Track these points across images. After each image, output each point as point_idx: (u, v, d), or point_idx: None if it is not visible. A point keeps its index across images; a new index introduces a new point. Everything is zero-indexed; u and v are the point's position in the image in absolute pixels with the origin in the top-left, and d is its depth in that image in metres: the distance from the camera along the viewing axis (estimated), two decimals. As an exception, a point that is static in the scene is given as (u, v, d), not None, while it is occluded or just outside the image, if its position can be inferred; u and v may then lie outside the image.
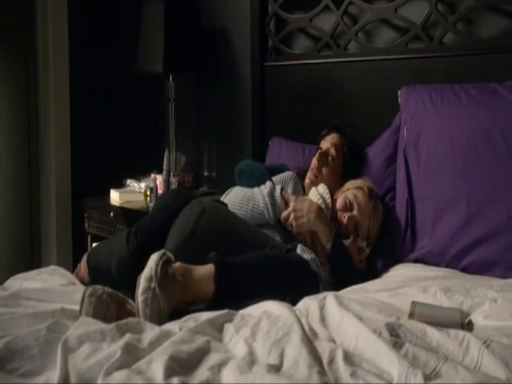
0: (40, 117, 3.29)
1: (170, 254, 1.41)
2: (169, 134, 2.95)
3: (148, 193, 2.79)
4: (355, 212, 1.90)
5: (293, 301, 1.38)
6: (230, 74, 2.87)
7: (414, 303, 1.41)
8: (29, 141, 3.33)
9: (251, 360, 1.08)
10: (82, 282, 1.80)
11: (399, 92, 2.04)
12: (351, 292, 1.61)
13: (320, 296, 1.35)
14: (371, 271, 1.87)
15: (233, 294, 1.40)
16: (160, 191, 2.82)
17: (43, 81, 3.23)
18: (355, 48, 2.34)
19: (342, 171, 2.08)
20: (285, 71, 2.54)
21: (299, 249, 1.79)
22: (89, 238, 2.97)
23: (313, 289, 1.46)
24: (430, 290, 1.52)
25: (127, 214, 2.67)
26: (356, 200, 1.91)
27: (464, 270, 1.76)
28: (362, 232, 1.90)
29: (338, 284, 1.77)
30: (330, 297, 1.33)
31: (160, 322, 1.29)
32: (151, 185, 2.81)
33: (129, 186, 3.05)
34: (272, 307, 1.27)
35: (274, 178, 1.99)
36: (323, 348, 1.12)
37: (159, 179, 2.86)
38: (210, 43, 2.90)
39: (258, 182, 1.92)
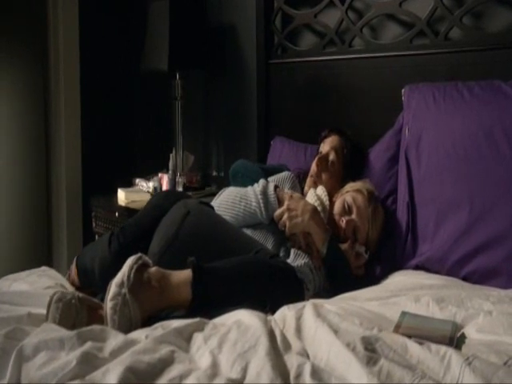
0: (51, 118, 3.29)
1: (146, 258, 1.36)
2: (175, 133, 2.91)
3: (154, 193, 2.77)
4: (354, 216, 1.82)
5: (273, 309, 1.32)
6: (237, 72, 2.81)
7: (403, 314, 1.34)
8: (46, 141, 3.35)
9: (213, 373, 1.03)
10: (73, 284, 1.78)
11: (403, 90, 1.95)
12: (341, 300, 1.54)
13: (299, 305, 1.28)
14: (370, 277, 1.80)
15: (211, 300, 1.34)
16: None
17: (54, 82, 3.23)
18: (360, 44, 2.26)
19: (342, 175, 2.00)
20: (290, 68, 2.48)
21: (293, 253, 1.72)
22: (96, 237, 2.96)
23: (297, 297, 1.40)
24: (423, 299, 1.44)
25: (131, 214, 2.64)
26: (355, 203, 1.83)
27: (465, 278, 1.66)
28: (360, 237, 1.82)
29: (334, 290, 1.70)
30: (308, 306, 1.26)
31: (131, 329, 1.24)
32: (155, 184, 2.79)
33: (137, 185, 3.03)
34: (244, 317, 1.21)
35: (270, 179, 1.92)
36: (292, 362, 1.06)
37: (165, 179, 2.82)
38: (216, 40, 2.85)
39: (252, 183, 1.86)
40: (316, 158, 2.01)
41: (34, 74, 3.29)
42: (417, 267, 1.78)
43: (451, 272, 1.69)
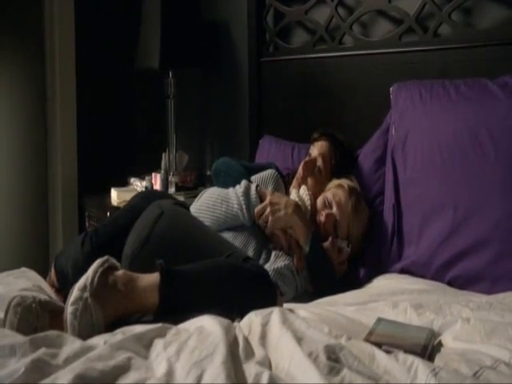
0: (48, 118, 3.28)
1: (114, 261, 1.32)
2: (168, 132, 2.87)
3: (145, 192, 2.73)
4: (334, 210, 1.78)
5: (241, 314, 1.28)
6: (231, 70, 2.77)
7: (379, 320, 1.29)
8: (45, 141, 3.34)
9: (167, 381, 0.99)
10: (53, 286, 1.74)
11: (391, 89, 1.89)
12: (319, 305, 1.50)
13: (266, 311, 1.23)
14: (353, 281, 1.75)
15: (179, 305, 1.30)
16: (156, 191, 2.77)
17: (50, 83, 3.21)
18: (350, 42, 2.20)
19: (328, 182, 1.94)
20: (282, 66, 2.43)
21: (273, 255, 1.68)
22: (89, 237, 2.93)
23: (268, 301, 1.34)
24: (401, 305, 1.39)
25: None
26: (334, 198, 1.79)
27: (450, 283, 1.61)
28: (341, 231, 1.78)
29: (316, 291, 1.66)
30: (275, 312, 1.22)
31: (93, 335, 1.20)
32: (147, 184, 2.76)
33: (132, 184, 3.01)
34: (207, 322, 1.17)
35: (254, 177, 1.87)
36: (250, 371, 1.02)
37: (158, 178, 2.79)
38: (209, 38, 2.81)
39: (235, 182, 1.81)
40: (303, 162, 1.96)
41: (34, 72, 3.28)
42: (402, 271, 1.73)
43: (436, 276, 1.64)
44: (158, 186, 2.78)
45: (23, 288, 1.65)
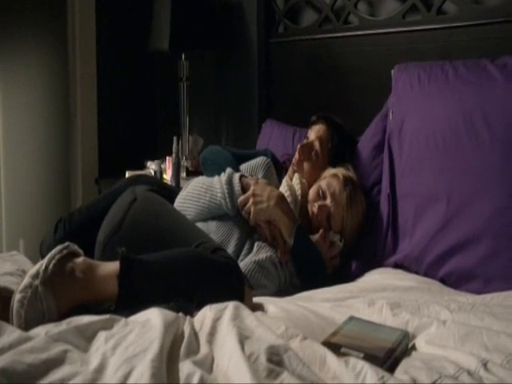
0: (71, 108, 3.30)
1: (75, 248, 1.27)
2: (181, 115, 2.82)
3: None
4: (328, 201, 1.69)
5: (200, 307, 1.22)
6: (242, 52, 2.69)
7: (349, 319, 1.21)
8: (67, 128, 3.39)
9: (94, 378, 0.93)
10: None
11: (392, 71, 1.77)
12: (294, 299, 1.42)
13: (222, 305, 1.16)
14: (346, 275, 1.66)
15: (138, 295, 1.25)
16: (166, 175, 2.74)
17: (72, 74, 3.23)
18: (355, 21, 2.08)
19: (325, 167, 1.84)
20: (290, 48, 2.34)
21: (256, 246, 1.60)
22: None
23: (234, 294, 1.26)
24: (377, 304, 1.29)
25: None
26: (329, 189, 1.69)
27: (443, 280, 1.50)
28: (334, 224, 1.68)
29: (304, 284, 1.58)
30: (229, 308, 1.15)
31: (44, 324, 1.16)
32: (156, 168, 2.72)
33: (149, 168, 2.99)
34: (153, 315, 1.11)
35: (243, 166, 1.80)
36: (183, 371, 0.96)
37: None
38: (221, 19, 2.73)
39: (222, 170, 1.74)
40: (299, 146, 1.87)
41: (57, 60, 3.33)
42: (396, 265, 1.62)
43: (429, 272, 1.53)
44: (169, 171, 2.74)
45: (6, 272, 1.64)
